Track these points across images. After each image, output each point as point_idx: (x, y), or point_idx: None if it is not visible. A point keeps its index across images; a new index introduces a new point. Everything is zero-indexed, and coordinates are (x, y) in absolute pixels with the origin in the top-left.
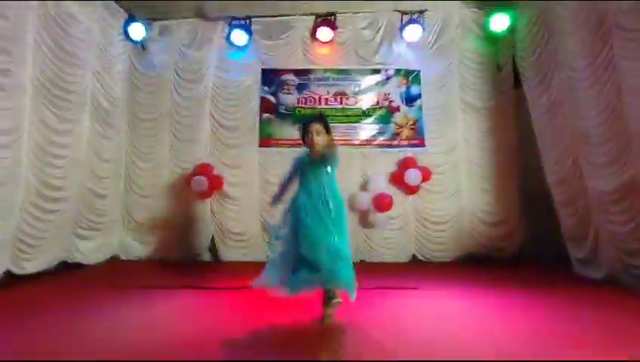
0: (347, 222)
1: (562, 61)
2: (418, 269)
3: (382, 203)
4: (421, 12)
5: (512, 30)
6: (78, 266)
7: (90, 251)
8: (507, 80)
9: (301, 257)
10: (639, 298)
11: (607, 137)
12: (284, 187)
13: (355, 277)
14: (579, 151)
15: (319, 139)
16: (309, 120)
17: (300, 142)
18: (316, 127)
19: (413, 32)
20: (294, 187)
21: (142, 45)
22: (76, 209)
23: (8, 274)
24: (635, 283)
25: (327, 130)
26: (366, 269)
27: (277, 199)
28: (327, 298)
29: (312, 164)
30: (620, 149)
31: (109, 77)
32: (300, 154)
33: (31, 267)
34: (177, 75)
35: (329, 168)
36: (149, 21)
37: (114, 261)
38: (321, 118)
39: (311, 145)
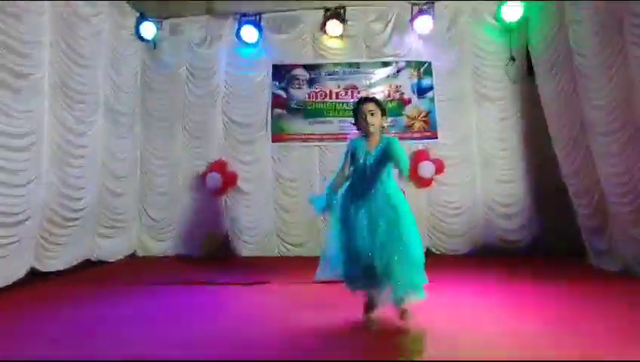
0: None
1: (573, 49)
2: (432, 262)
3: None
4: (431, 2)
5: (524, 19)
6: (100, 264)
7: (111, 249)
8: (520, 70)
9: (350, 258)
10: None
11: (615, 127)
12: (340, 176)
13: (417, 277)
14: (590, 141)
15: (374, 120)
16: (360, 101)
17: (313, 136)
18: (369, 107)
19: (423, 24)
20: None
21: (153, 44)
22: (97, 208)
23: (32, 273)
24: None
25: (383, 111)
26: None
27: (333, 191)
28: (371, 304)
29: (368, 151)
30: (627, 140)
31: (120, 77)
32: (355, 137)
33: (56, 265)
34: (189, 72)
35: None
36: (159, 20)
37: (133, 258)
38: (373, 98)
39: (366, 127)
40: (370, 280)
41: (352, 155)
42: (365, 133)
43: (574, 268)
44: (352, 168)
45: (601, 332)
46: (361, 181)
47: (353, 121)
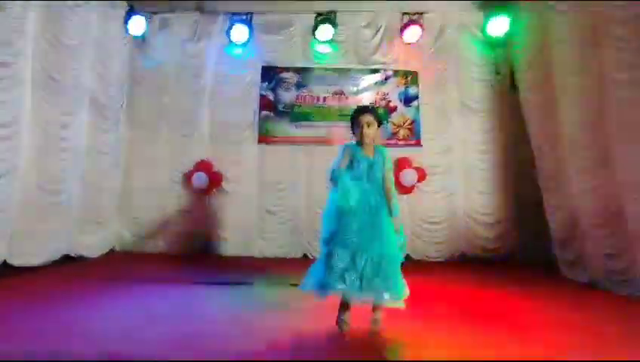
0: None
1: (554, 67)
2: (411, 268)
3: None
4: (421, 13)
5: (510, 34)
6: (80, 259)
7: (92, 244)
8: (504, 83)
9: (339, 258)
10: (619, 302)
11: (587, 145)
12: (336, 172)
13: (400, 285)
14: (566, 157)
15: (370, 131)
16: (359, 111)
17: (299, 139)
18: (368, 118)
19: (412, 33)
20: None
21: (142, 38)
22: (78, 202)
23: (6, 266)
24: (612, 287)
25: (380, 123)
26: None
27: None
28: (346, 304)
29: (363, 157)
30: (597, 158)
31: (107, 70)
32: (349, 142)
33: (32, 259)
34: (177, 69)
35: (384, 166)
36: (149, 14)
37: (112, 254)
38: (373, 110)
39: (361, 137)
40: (353, 278)
41: (346, 156)
42: (360, 142)
43: (546, 277)
44: (350, 170)
45: (557, 340)
46: (354, 188)
47: (350, 127)
